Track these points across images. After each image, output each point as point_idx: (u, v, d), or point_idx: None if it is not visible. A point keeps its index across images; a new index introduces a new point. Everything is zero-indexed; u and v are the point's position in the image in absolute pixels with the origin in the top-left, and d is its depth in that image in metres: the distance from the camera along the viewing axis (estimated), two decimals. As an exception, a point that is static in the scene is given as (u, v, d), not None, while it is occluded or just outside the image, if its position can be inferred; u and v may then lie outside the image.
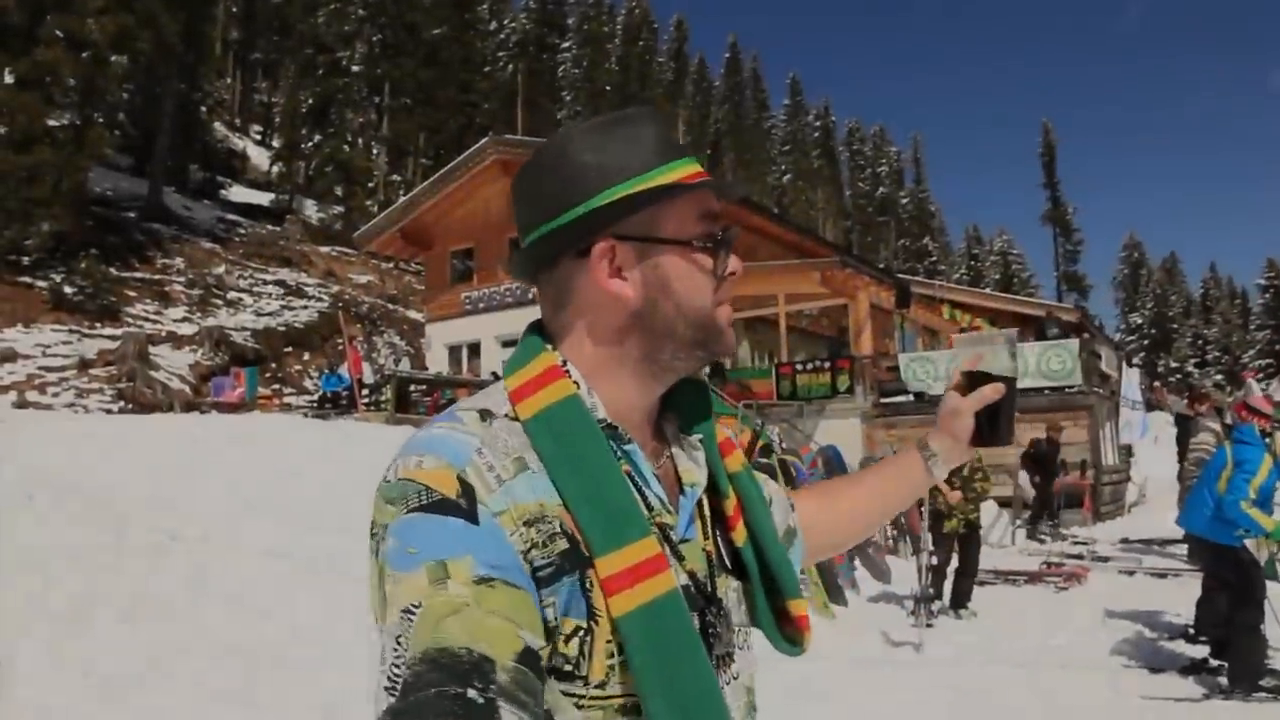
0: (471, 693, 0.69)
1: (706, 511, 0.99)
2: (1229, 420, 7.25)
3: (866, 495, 1.33)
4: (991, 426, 1.24)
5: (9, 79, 28.53)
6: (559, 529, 0.83)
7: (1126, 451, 19.13)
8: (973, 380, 1.25)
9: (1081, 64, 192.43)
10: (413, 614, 0.74)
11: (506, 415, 0.89)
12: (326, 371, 22.80)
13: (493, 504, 0.80)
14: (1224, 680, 5.93)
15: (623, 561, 0.82)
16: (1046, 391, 15.77)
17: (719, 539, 1.00)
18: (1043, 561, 10.81)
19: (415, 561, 0.77)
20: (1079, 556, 11.24)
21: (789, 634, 1.04)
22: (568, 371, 0.93)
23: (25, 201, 26.85)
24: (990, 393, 1.22)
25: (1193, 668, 6.32)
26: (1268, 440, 6.15)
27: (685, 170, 0.96)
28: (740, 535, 1.00)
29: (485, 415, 0.89)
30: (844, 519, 1.32)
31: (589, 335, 0.95)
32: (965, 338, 1.33)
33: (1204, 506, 6.19)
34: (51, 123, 29.04)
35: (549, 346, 0.96)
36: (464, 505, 0.79)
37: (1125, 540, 12.75)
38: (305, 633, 5.46)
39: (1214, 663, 6.27)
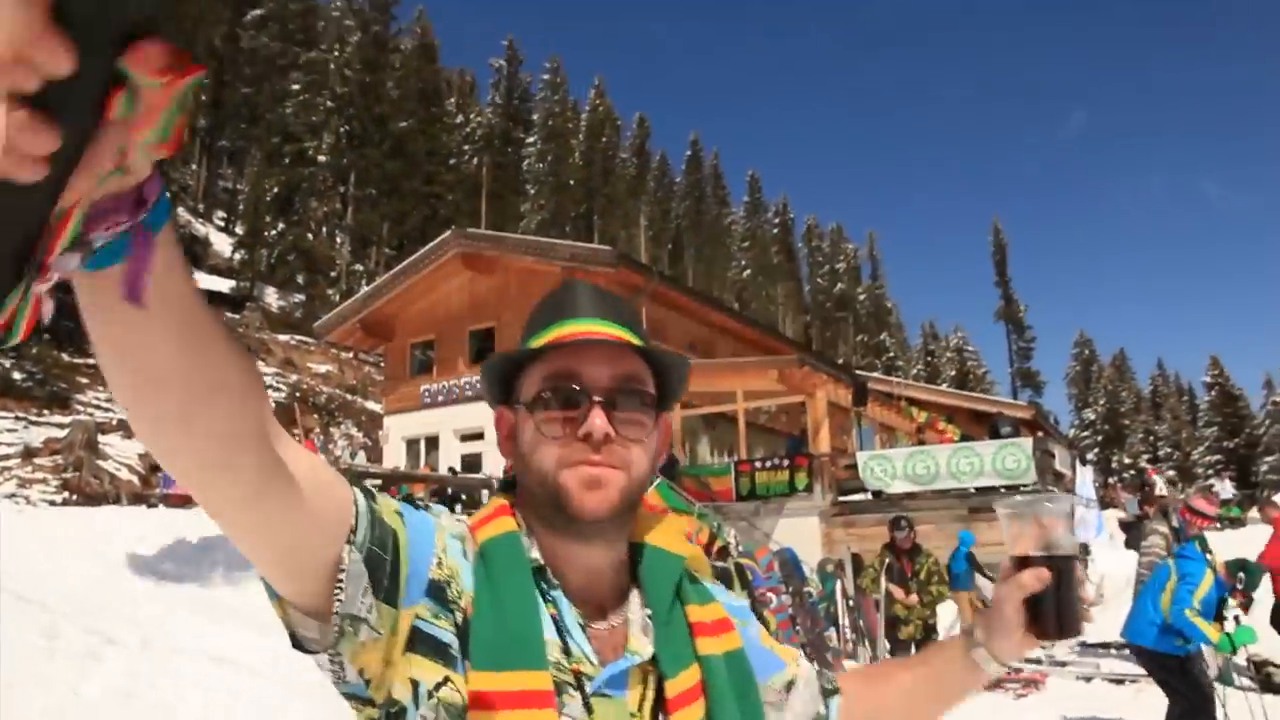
0: (368, 482, 1.05)
1: (651, 688, 0.99)
2: (1174, 522, 7.38)
3: (913, 680, 1.22)
4: (1046, 614, 1.09)
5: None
6: (460, 603, 0.93)
7: (1083, 550, 19.23)
8: (1022, 560, 1.11)
9: (1029, 165, 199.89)
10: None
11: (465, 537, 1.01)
12: None
13: (446, 528, 0.98)
14: None
15: (501, 683, 0.88)
16: (1001, 490, 15.90)
17: (653, 716, 0.98)
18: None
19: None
20: (1037, 661, 11.17)
21: None
22: (515, 511, 1.03)
23: (-20, 285, 26.49)
24: (1031, 580, 1.10)
25: None
26: (1209, 556, 6.27)
27: (561, 331, 1.01)
28: (693, 713, 0.98)
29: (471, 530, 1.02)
30: (892, 702, 1.22)
31: (521, 485, 1.05)
32: (1012, 503, 1.15)
33: (1146, 618, 6.28)
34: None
35: (512, 492, 1.06)
36: (427, 509, 1.00)
37: (1083, 644, 12.70)
38: (242, 748, 5.24)
39: None
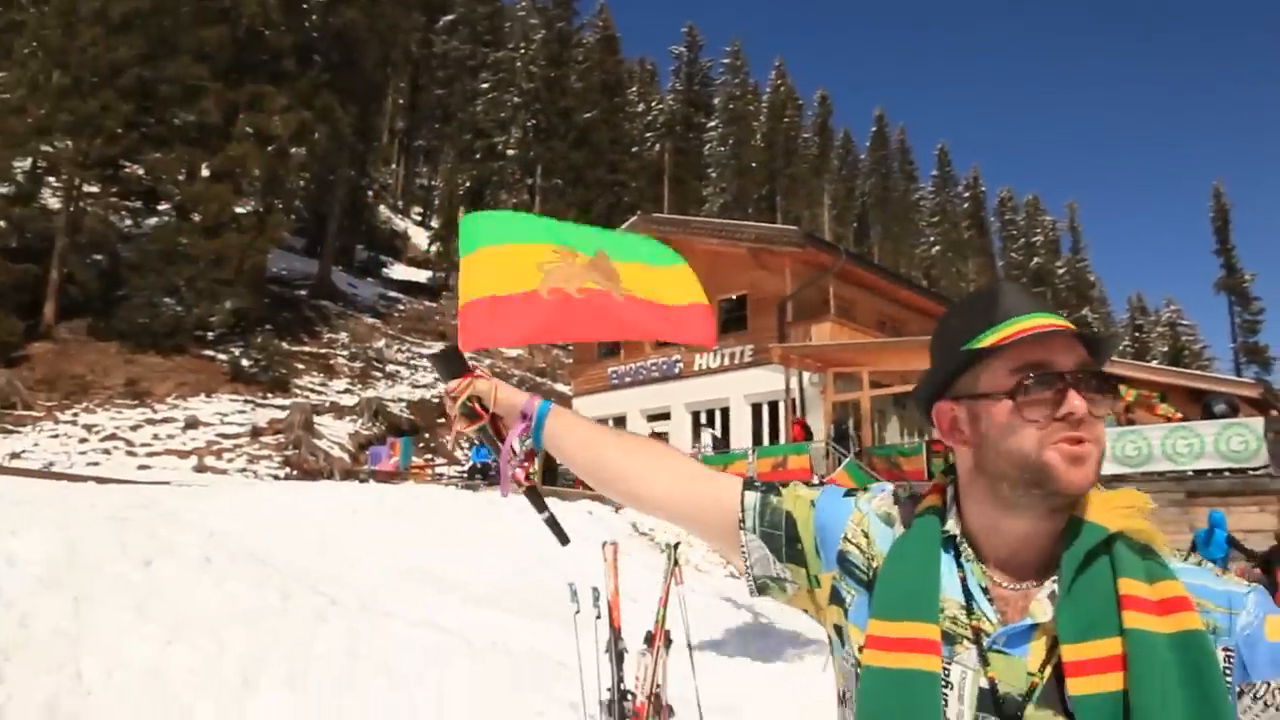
0: (756, 481, 1.31)
1: (1053, 655, 1.02)
2: None
3: None
4: None
5: (205, 173, 31.28)
6: (872, 565, 1.15)
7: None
8: None
9: (1253, 123, 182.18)
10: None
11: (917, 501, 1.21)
12: (478, 442, 23.43)
13: (860, 503, 1.22)
14: None
15: (889, 631, 1.06)
16: (1226, 474, 14.64)
17: (1056, 681, 1.01)
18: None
19: (814, 488, 1.28)
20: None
21: None
22: (945, 489, 1.18)
23: (213, 282, 29.15)
24: None
25: None
26: None
27: (1014, 328, 1.09)
28: (1103, 684, 0.97)
29: (913, 495, 1.23)
30: None
31: (960, 466, 1.15)
32: None
33: None
34: (238, 210, 31.58)
35: (951, 473, 1.19)
36: (851, 494, 1.25)
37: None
38: (454, 707, 5.54)
39: None
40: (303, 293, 37.35)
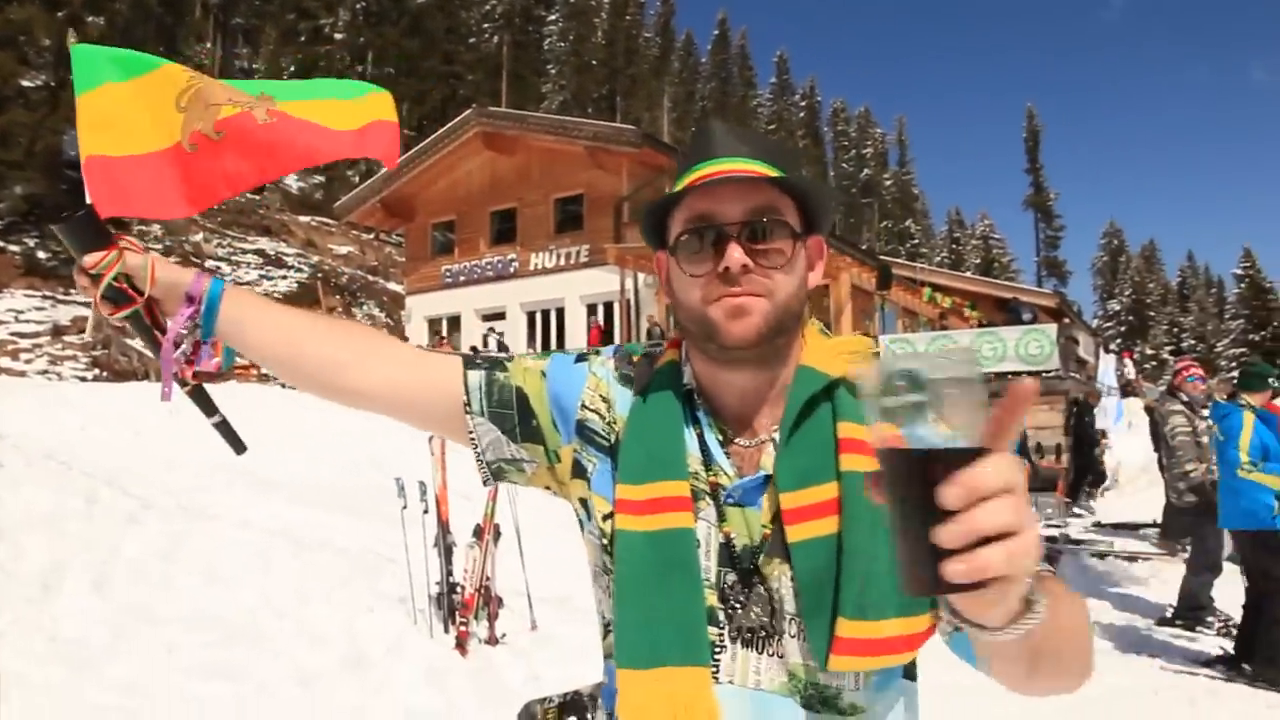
0: (477, 358, 1.24)
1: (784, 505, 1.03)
2: (1184, 397, 7.13)
3: None
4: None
5: (-18, 38, 27.97)
6: (614, 429, 1.13)
7: (1101, 435, 19.32)
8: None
9: (1066, 51, 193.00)
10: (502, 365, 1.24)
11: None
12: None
13: (594, 367, 1.19)
14: (1221, 670, 5.86)
15: (639, 494, 1.05)
16: (1024, 376, 15.85)
17: (783, 530, 1.02)
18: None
19: (540, 356, 1.24)
20: (1051, 539, 11.35)
21: (824, 647, 0.98)
22: (682, 342, 1.16)
23: (-2, 164, 26.38)
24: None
25: (1215, 661, 6.05)
26: (1241, 400, 5.93)
27: (691, 177, 1.08)
28: (818, 529, 1.00)
29: (647, 354, 1.21)
30: None
31: None
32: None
33: (1225, 496, 5.94)
34: (25, 84, 28.50)
35: None
36: (585, 356, 1.22)
37: (1098, 524, 12.89)
38: (278, 605, 5.42)
39: (1220, 651, 6.16)
40: (106, 179, 34.46)
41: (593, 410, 1.15)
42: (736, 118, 76.19)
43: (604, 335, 21.19)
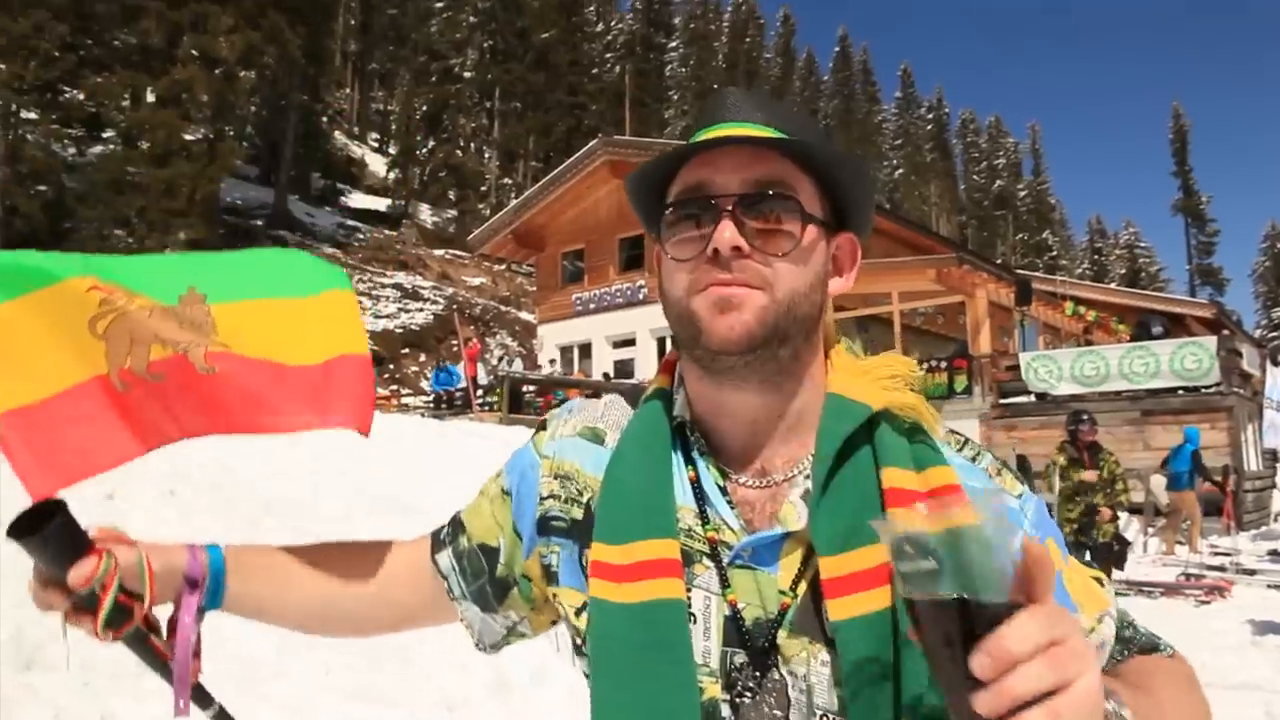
0: (444, 531, 1.06)
1: (810, 568, 0.82)
2: None
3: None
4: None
5: (150, 98, 30.23)
6: (582, 499, 0.93)
7: (1271, 456, 18.00)
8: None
9: (1212, 45, 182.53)
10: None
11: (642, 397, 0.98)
12: (436, 367, 23.25)
13: (542, 448, 0.99)
14: None
15: (619, 556, 0.84)
16: (1180, 392, 14.97)
17: (814, 600, 0.81)
18: (1180, 573, 10.23)
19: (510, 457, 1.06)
20: (1220, 568, 10.60)
21: None
22: (675, 364, 0.96)
23: (164, 212, 28.42)
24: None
25: None
26: None
27: (702, 138, 0.88)
28: (867, 603, 0.77)
29: (620, 392, 1.04)
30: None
31: None
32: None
33: None
34: (187, 137, 30.63)
35: None
36: (533, 438, 1.02)
37: (1274, 552, 11.97)
38: (424, 631, 5.55)
39: None
40: (259, 223, 36.57)
41: (550, 496, 0.95)
42: (863, 134, 75.21)
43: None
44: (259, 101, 39.95)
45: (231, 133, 35.15)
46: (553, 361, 24.02)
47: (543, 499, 0.95)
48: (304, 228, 38.58)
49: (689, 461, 0.89)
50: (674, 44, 65.53)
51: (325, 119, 47.86)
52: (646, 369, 22.19)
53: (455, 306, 33.65)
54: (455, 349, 22.06)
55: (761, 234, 0.83)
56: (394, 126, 54.95)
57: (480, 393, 19.46)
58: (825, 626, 0.80)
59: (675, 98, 63.14)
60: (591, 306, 24.33)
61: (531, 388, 21.44)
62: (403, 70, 53.39)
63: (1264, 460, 17.44)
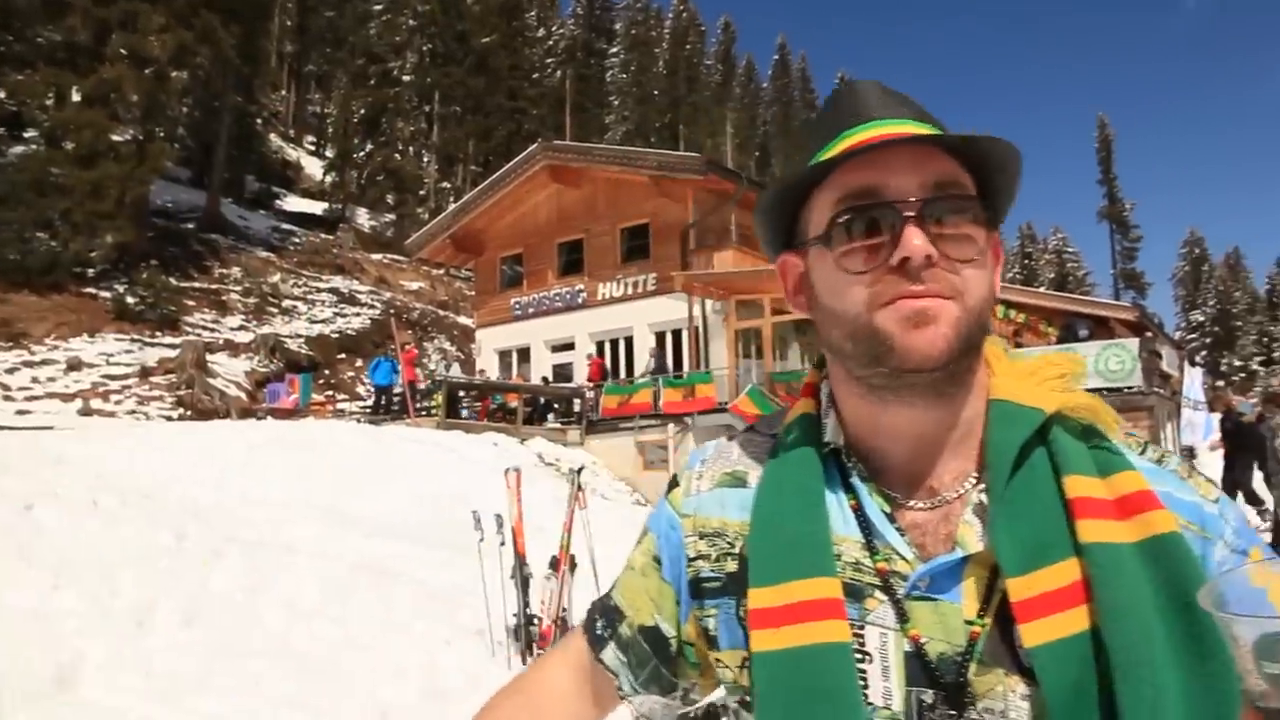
0: (599, 624, 0.97)
1: (997, 592, 0.74)
2: None
3: None
4: None
5: (76, 97, 29.37)
6: (734, 549, 0.86)
7: (1189, 452, 18.65)
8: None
9: (1138, 57, 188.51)
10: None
11: (773, 432, 0.91)
12: (377, 359, 22.59)
13: (681, 506, 0.92)
14: None
15: (775, 598, 0.78)
16: (1105, 393, 15.42)
17: (1003, 627, 0.73)
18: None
19: (644, 528, 0.98)
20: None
21: None
22: (818, 387, 0.89)
23: (90, 215, 27.59)
24: None
25: None
26: None
27: (842, 144, 0.81)
28: (1064, 625, 0.70)
29: (750, 429, 0.96)
30: None
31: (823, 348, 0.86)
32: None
33: None
34: (115, 138, 29.82)
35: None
36: (667, 496, 0.94)
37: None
38: (358, 638, 5.52)
39: None
40: (191, 226, 35.74)
41: (698, 558, 0.88)
42: (799, 140, 76.07)
43: (603, 370, 21.48)
44: (191, 102, 39.04)
45: (162, 134, 34.25)
46: (482, 372, 23.88)
47: (691, 561, 0.89)
48: (237, 231, 37.81)
49: (847, 489, 0.82)
50: (615, 49, 65.63)
51: (260, 121, 46.98)
52: (584, 374, 22.20)
53: (393, 311, 33.26)
54: (393, 353, 21.81)
55: (947, 239, 0.76)
56: (331, 129, 54.14)
57: (418, 398, 19.28)
58: (1020, 655, 0.72)
59: (616, 103, 63.23)
60: (530, 311, 24.25)
61: (470, 392, 21.34)
62: (340, 73, 52.62)
63: (1182, 457, 17.99)
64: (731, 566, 0.85)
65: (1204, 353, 67.70)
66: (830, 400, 0.85)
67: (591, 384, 20.85)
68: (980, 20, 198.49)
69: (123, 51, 29.58)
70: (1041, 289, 48.54)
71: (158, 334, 26.81)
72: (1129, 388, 15.46)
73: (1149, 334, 19.61)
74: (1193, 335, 72.08)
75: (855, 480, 0.81)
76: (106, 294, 27.61)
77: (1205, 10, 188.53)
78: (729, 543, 0.86)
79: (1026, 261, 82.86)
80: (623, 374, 22.00)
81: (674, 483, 0.95)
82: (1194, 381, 17.78)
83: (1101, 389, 15.46)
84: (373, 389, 20.86)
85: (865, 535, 0.79)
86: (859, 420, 0.82)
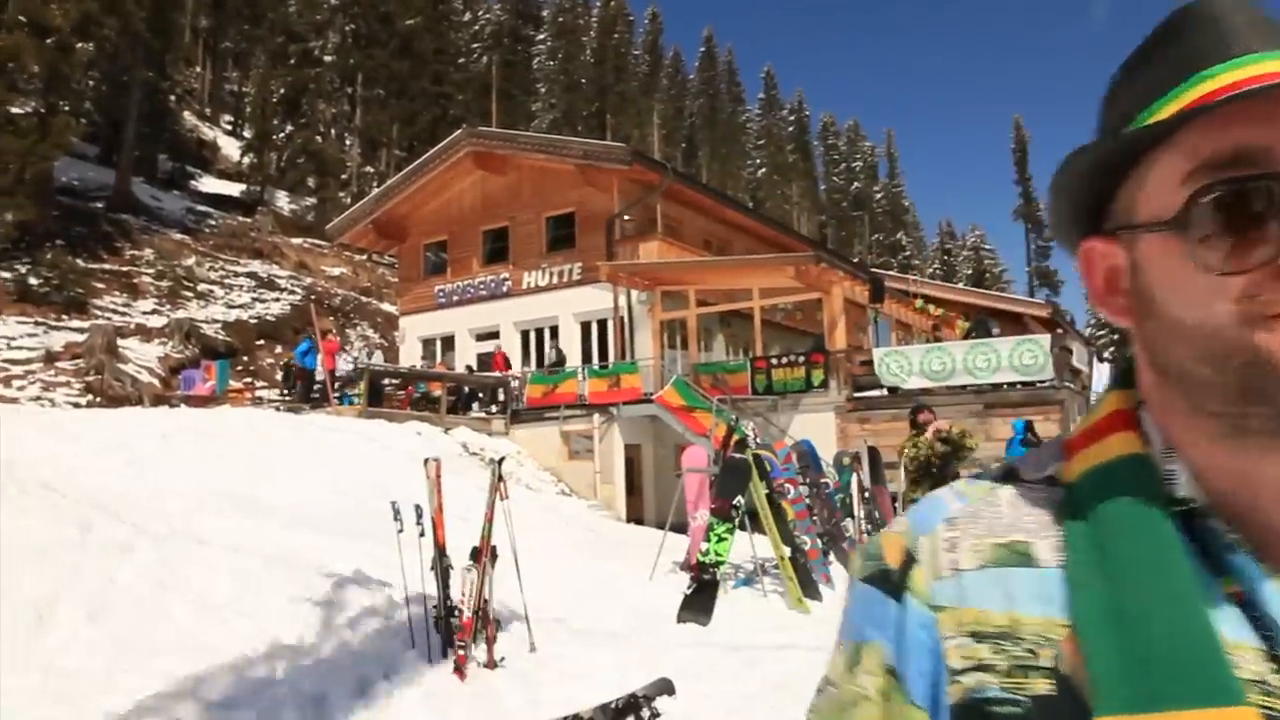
0: None
1: None
2: None
3: None
4: None
5: (-29, 66, 27.98)
6: (1037, 660, 0.55)
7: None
8: None
9: (1052, 60, 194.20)
10: (824, 690, 0.66)
11: (1047, 477, 0.63)
12: (307, 339, 21.95)
13: (931, 594, 0.60)
14: None
15: None
16: (1018, 386, 15.89)
17: None
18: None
19: (844, 636, 0.66)
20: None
21: None
22: (1138, 418, 0.61)
23: (-12, 191, 26.36)
24: None
25: None
26: None
27: (1204, 87, 0.55)
28: None
29: (1009, 475, 0.65)
30: None
31: (1144, 367, 0.62)
32: None
33: None
34: (14, 110, 28.50)
35: (1132, 384, 0.63)
36: (895, 580, 0.62)
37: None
38: (273, 631, 5.38)
39: None
40: (99, 205, 34.39)
41: (973, 669, 0.57)
42: (727, 133, 76.57)
43: (507, 361, 21.58)
44: (99, 76, 37.55)
45: (67, 108, 32.84)
46: (412, 367, 23.55)
47: (956, 674, 0.57)
48: (149, 211, 36.50)
49: (1219, 570, 0.54)
50: (542, 36, 65.15)
51: (173, 98, 45.33)
52: (512, 363, 22.03)
53: (314, 297, 32.53)
54: (315, 338, 21.28)
55: None
56: (249, 109, 52.60)
57: (338, 385, 18.90)
58: None
59: (543, 90, 62.79)
60: (455, 299, 23.97)
61: (393, 381, 21.00)
62: (258, 50, 51.09)
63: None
64: (1042, 687, 0.54)
65: (1112, 349, 70.23)
66: (1167, 445, 0.59)
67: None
68: (905, 16, 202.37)
69: (21, 19, 28.28)
70: (959, 285, 49.79)
71: (64, 317, 25.76)
72: (1041, 381, 15.95)
73: (1061, 330, 20.26)
74: (1102, 332, 74.69)
75: (1235, 558, 0.54)
76: (7, 274, 26.41)
77: (1112, 19, 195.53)
78: (1029, 650, 0.56)
79: (946, 258, 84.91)
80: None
81: (906, 563, 0.62)
82: (1103, 376, 18.46)
83: (1015, 382, 15.94)
84: (296, 370, 20.24)
85: (1267, 642, 0.52)
86: (1217, 472, 0.56)
